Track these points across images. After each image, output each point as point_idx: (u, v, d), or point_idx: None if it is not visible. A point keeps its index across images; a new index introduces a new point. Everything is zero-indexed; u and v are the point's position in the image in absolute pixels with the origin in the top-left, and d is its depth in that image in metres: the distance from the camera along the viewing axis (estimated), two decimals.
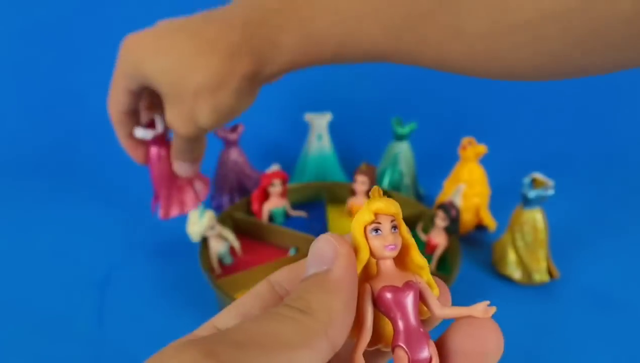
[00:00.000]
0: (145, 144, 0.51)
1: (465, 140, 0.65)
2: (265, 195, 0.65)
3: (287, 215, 0.67)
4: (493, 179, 0.67)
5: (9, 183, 0.81)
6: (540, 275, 0.57)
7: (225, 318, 0.19)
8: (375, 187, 0.19)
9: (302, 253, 0.56)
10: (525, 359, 0.48)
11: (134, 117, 0.50)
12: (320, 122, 0.72)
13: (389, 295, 0.18)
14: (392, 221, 0.18)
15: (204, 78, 0.38)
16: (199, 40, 0.38)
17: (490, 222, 0.65)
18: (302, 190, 0.71)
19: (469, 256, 0.63)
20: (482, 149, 0.64)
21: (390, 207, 0.18)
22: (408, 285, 0.18)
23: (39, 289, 0.57)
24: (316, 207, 0.69)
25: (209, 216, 0.58)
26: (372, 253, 0.18)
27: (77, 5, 0.97)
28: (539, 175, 0.57)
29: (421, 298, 0.18)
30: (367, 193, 0.66)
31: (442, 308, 0.18)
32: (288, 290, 0.20)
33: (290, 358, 0.15)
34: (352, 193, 0.67)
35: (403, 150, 0.71)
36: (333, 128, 0.74)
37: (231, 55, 0.37)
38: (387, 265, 0.18)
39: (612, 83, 0.96)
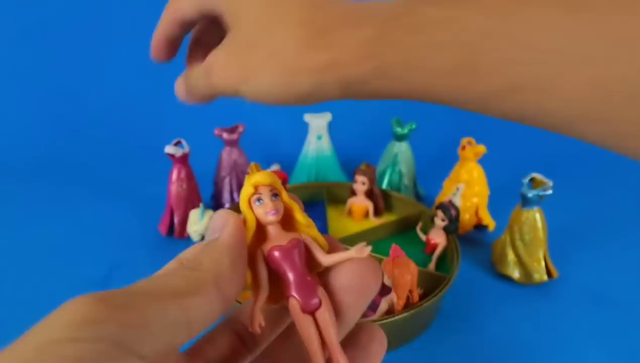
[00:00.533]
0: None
1: (464, 140, 0.65)
2: None
3: None
4: (492, 179, 0.67)
5: (9, 183, 0.81)
6: (539, 275, 0.57)
7: None
8: (252, 163, 0.22)
9: None
10: (524, 358, 0.48)
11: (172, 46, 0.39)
12: (320, 122, 0.72)
13: (276, 254, 0.20)
14: (271, 190, 0.21)
15: (295, 42, 0.26)
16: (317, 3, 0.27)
17: (489, 221, 0.65)
18: (302, 190, 0.71)
19: (468, 256, 0.63)
20: (481, 149, 0.64)
21: (266, 178, 0.21)
22: (292, 242, 0.21)
23: (39, 289, 0.57)
24: (316, 207, 0.69)
25: (209, 216, 0.58)
26: (259, 220, 0.21)
27: (77, 6, 0.97)
28: (537, 175, 0.57)
29: (308, 252, 0.21)
30: (367, 193, 0.67)
31: (326, 256, 0.21)
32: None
33: (180, 304, 0.17)
34: (352, 193, 0.67)
35: (403, 151, 0.72)
36: (333, 128, 0.74)
37: (343, 43, 0.25)
38: (275, 228, 0.21)
39: None
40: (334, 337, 0.20)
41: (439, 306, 0.53)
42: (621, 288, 0.58)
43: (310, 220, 0.22)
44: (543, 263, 0.57)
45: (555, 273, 0.57)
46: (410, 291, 0.47)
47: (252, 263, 0.21)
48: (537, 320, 0.53)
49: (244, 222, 0.21)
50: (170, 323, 0.16)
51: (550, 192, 0.55)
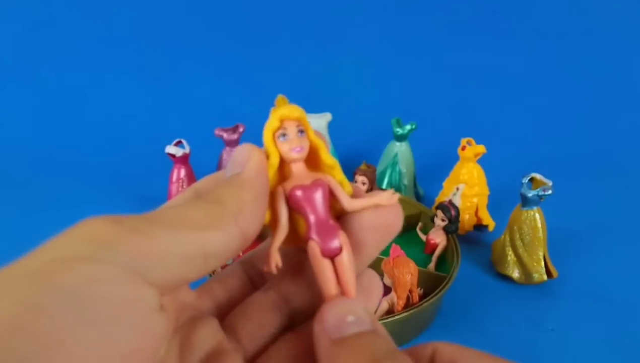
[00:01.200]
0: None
1: (464, 140, 0.65)
2: None
3: None
4: (492, 179, 0.67)
5: (9, 183, 0.81)
6: (538, 275, 0.57)
7: None
8: (279, 95, 0.21)
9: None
10: (524, 358, 0.48)
11: None
12: (320, 122, 0.72)
13: (298, 193, 0.19)
14: (297, 126, 0.20)
15: None
16: None
17: (489, 221, 0.65)
18: None
19: (468, 256, 0.63)
20: (481, 149, 0.64)
21: (294, 112, 0.20)
22: (316, 182, 0.19)
23: None
24: None
25: None
26: (282, 157, 0.19)
27: (78, 5, 0.97)
28: (537, 175, 0.57)
29: (332, 195, 0.20)
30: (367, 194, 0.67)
31: (350, 201, 0.19)
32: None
33: (198, 237, 0.16)
34: None
35: (402, 151, 0.72)
36: (333, 128, 0.74)
37: None
38: (299, 167, 0.20)
39: (611, 84, 0.96)
40: (351, 282, 0.19)
41: (439, 306, 0.53)
42: (621, 288, 0.58)
43: (336, 161, 0.20)
44: (543, 263, 0.57)
45: (554, 273, 0.57)
46: (411, 291, 0.48)
47: (272, 201, 0.20)
48: (536, 320, 0.53)
49: (267, 157, 0.19)
50: (185, 255, 0.16)
51: (550, 192, 0.55)
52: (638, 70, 0.96)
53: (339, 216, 0.20)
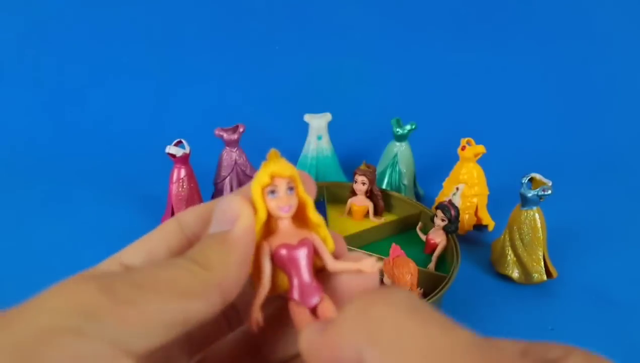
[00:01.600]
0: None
1: (464, 140, 0.65)
2: None
3: None
4: (492, 179, 0.67)
5: (9, 183, 0.81)
6: (538, 275, 0.57)
7: (131, 254, 0.20)
8: (272, 149, 0.20)
9: None
10: None
11: None
12: (320, 122, 0.72)
13: (283, 252, 0.19)
14: (288, 183, 0.19)
15: None
16: None
17: (489, 221, 0.65)
18: None
19: (468, 256, 0.63)
20: (480, 149, 0.64)
21: (285, 170, 0.19)
22: (302, 242, 0.20)
23: (39, 289, 0.57)
24: (316, 207, 0.69)
25: None
26: (269, 213, 0.20)
27: (78, 5, 0.97)
28: (537, 175, 0.57)
29: (317, 253, 0.20)
30: (367, 193, 0.67)
31: (334, 263, 0.20)
32: (195, 232, 0.21)
33: (183, 305, 0.17)
34: (352, 193, 0.67)
35: (403, 151, 0.72)
36: (333, 128, 0.75)
37: None
38: (285, 223, 0.20)
39: (611, 84, 0.96)
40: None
41: (439, 306, 0.53)
42: (620, 288, 0.58)
43: (322, 219, 0.21)
44: (542, 263, 0.57)
45: (554, 273, 0.57)
46: (411, 291, 0.48)
47: (256, 255, 0.20)
48: (536, 320, 0.53)
49: (255, 211, 0.19)
50: (169, 323, 0.16)
51: (549, 192, 0.56)
52: (638, 70, 0.96)
53: (319, 270, 0.20)
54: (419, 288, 0.50)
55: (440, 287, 0.50)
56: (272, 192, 0.19)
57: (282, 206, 0.19)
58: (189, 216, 0.21)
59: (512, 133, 0.91)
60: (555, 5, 0.97)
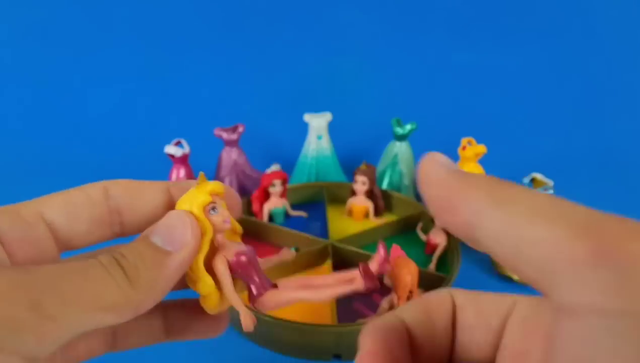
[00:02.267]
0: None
1: (464, 140, 0.65)
2: (266, 195, 0.65)
3: (287, 215, 0.67)
4: None
5: (9, 182, 0.81)
6: None
7: (54, 209, 0.21)
8: (201, 172, 0.22)
9: (301, 253, 0.56)
10: None
11: None
12: (320, 122, 0.72)
13: (243, 258, 0.22)
14: (220, 199, 0.22)
15: None
16: None
17: None
18: (302, 190, 0.71)
19: (468, 256, 0.63)
20: (481, 149, 0.64)
21: (219, 186, 0.21)
22: (248, 247, 0.22)
23: None
24: (316, 207, 0.69)
25: None
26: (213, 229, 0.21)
27: (78, 5, 0.97)
28: (538, 175, 0.57)
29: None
30: (367, 194, 0.67)
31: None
32: (119, 205, 0.21)
33: (99, 317, 0.17)
34: (352, 193, 0.67)
35: (403, 151, 0.71)
36: (333, 128, 0.74)
37: None
38: (223, 236, 0.22)
39: (612, 83, 0.96)
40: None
41: None
42: None
43: (240, 227, 0.24)
44: None
45: None
46: (411, 291, 0.47)
47: (213, 271, 0.21)
48: None
49: (202, 232, 0.21)
50: (79, 332, 0.17)
51: (551, 192, 0.55)
52: (638, 70, 0.96)
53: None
54: (419, 289, 0.50)
55: (440, 288, 0.49)
56: (213, 208, 0.21)
57: (226, 219, 0.21)
58: (117, 188, 0.21)
59: (513, 133, 0.91)
60: (556, 4, 0.96)
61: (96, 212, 0.21)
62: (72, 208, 0.21)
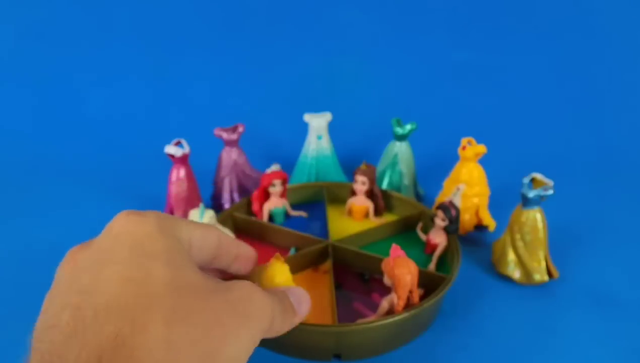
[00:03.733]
0: None
1: (464, 140, 0.65)
2: (266, 195, 0.65)
3: (287, 215, 0.67)
4: (492, 179, 0.67)
5: (8, 182, 0.81)
6: (539, 275, 0.57)
7: (198, 246, 0.31)
8: (277, 254, 0.36)
9: (301, 253, 0.56)
10: (524, 359, 0.48)
11: None
12: (320, 122, 0.72)
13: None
14: None
15: None
16: None
17: (489, 222, 0.65)
18: (302, 190, 0.71)
19: (468, 256, 0.63)
20: (481, 149, 0.64)
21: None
22: None
23: (39, 289, 0.57)
24: (316, 207, 0.69)
25: (209, 215, 0.58)
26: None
27: (78, 5, 0.97)
28: (538, 175, 0.57)
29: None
30: (367, 194, 0.67)
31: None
32: (209, 260, 0.32)
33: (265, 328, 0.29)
34: (352, 193, 0.67)
35: (403, 151, 0.71)
36: (333, 128, 0.74)
37: None
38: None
39: (612, 84, 0.96)
40: None
41: (439, 306, 0.52)
42: (623, 288, 0.58)
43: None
44: (544, 264, 0.57)
45: (555, 273, 0.57)
46: (411, 291, 0.47)
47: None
48: (537, 320, 0.53)
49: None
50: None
51: (551, 192, 0.55)
52: (638, 70, 0.96)
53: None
54: (419, 289, 0.50)
55: (440, 288, 0.49)
56: None
57: None
58: (226, 257, 0.33)
59: (513, 133, 0.91)
60: (556, 4, 0.96)
61: (205, 259, 0.32)
62: (204, 242, 0.31)
